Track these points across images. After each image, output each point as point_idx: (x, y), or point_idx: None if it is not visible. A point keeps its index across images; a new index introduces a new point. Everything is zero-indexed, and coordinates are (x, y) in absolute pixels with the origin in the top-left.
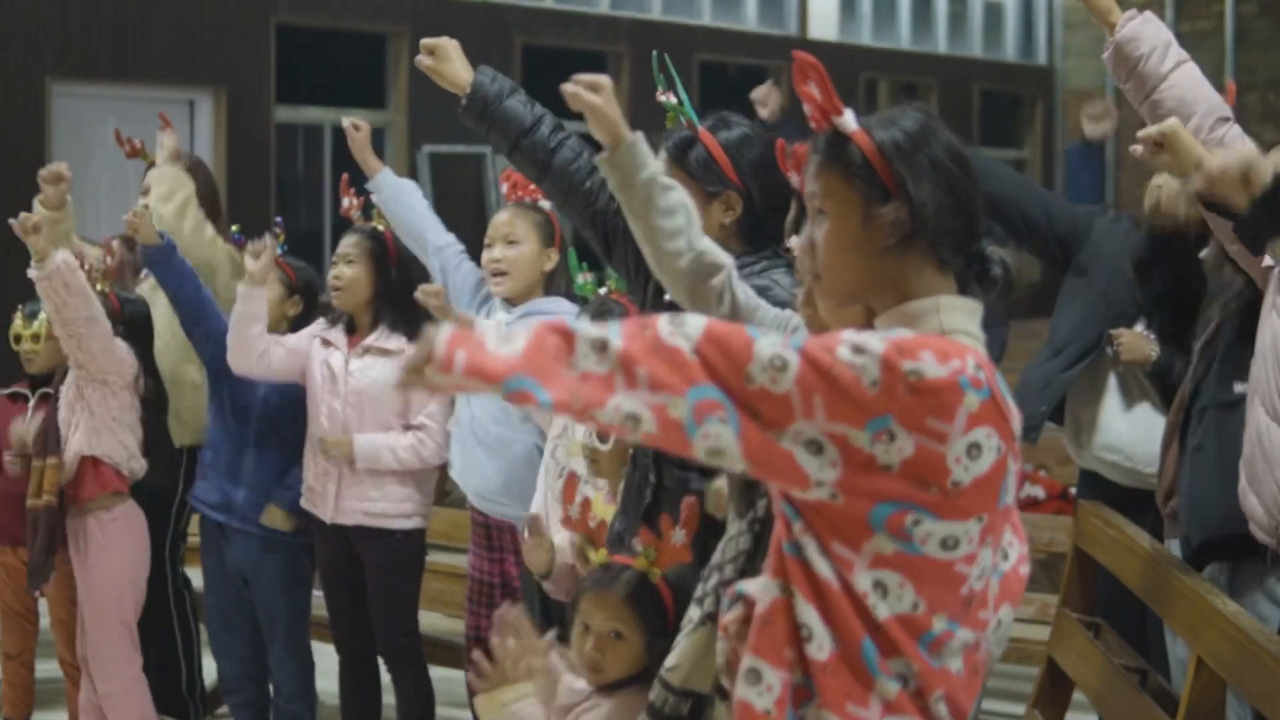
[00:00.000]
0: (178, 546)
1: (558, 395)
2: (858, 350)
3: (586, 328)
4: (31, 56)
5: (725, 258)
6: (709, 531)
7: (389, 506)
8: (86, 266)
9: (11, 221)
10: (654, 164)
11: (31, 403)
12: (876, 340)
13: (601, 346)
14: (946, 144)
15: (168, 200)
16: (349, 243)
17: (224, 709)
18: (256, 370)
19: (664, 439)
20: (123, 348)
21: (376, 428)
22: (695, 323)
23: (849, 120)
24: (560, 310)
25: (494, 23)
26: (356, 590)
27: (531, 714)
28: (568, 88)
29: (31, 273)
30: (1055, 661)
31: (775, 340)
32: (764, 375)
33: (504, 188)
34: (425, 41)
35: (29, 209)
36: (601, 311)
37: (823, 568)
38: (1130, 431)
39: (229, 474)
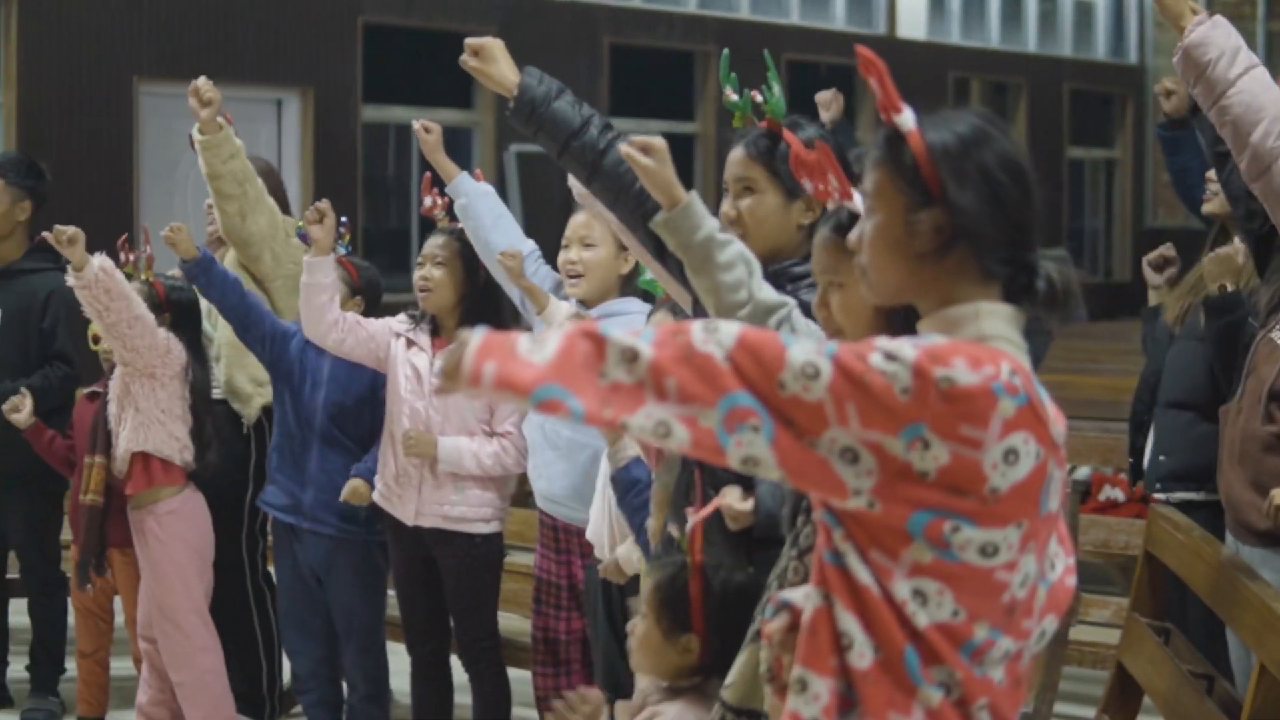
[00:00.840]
0: (256, 542)
1: (588, 405)
2: (890, 357)
3: (618, 335)
4: (120, 57)
5: (784, 298)
6: (765, 545)
7: (469, 510)
8: (131, 257)
9: (45, 234)
10: (710, 222)
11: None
12: (909, 347)
13: (632, 356)
14: (1000, 151)
15: (233, 158)
16: (436, 244)
17: (299, 708)
18: (330, 341)
19: (697, 449)
20: (169, 340)
21: (459, 431)
22: (729, 329)
23: (907, 119)
24: (635, 310)
25: (582, 22)
26: (431, 591)
27: None
28: (623, 148)
29: (70, 280)
30: (1125, 666)
31: (808, 347)
32: (796, 383)
33: (576, 190)
34: (470, 42)
35: (117, 206)
36: (672, 309)
37: (863, 575)
38: None
39: (295, 476)
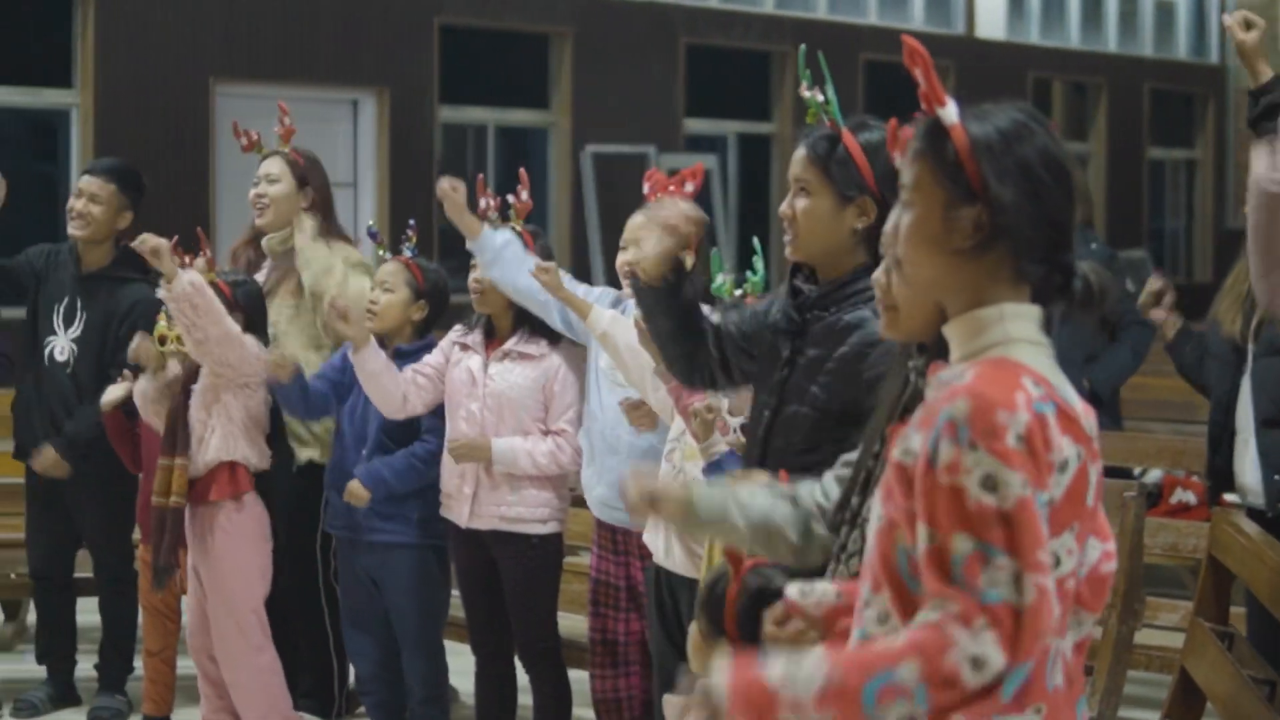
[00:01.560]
0: (329, 540)
1: None
2: (988, 486)
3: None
4: (197, 57)
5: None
6: None
7: (525, 511)
8: (189, 260)
9: (134, 245)
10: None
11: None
12: (970, 452)
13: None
14: (1042, 148)
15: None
16: None
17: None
18: (408, 413)
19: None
20: (256, 348)
21: (514, 432)
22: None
23: (950, 112)
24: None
25: (658, 23)
26: (493, 593)
27: None
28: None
29: (160, 294)
30: (1187, 671)
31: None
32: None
33: (645, 187)
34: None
35: (194, 208)
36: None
37: None
38: None
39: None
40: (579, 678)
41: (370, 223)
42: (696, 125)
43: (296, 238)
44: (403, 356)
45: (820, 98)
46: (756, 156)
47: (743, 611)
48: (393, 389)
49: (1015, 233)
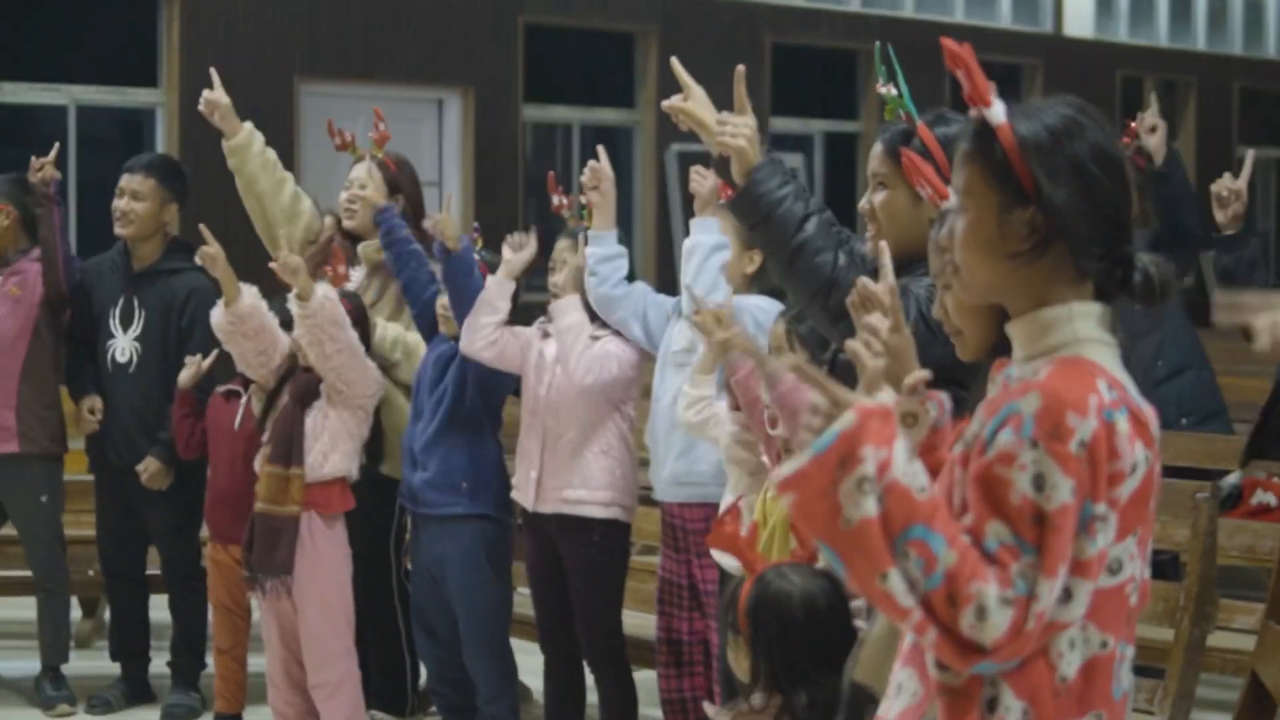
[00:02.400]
0: (402, 539)
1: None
2: (1039, 485)
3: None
4: (281, 56)
5: None
6: None
7: (588, 494)
8: (329, 275)
9: (273, 265)
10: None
11: (244, 400)
12: (1029, 450)
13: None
14: (1093, 143)
15: None
16: (563, 248)
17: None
18: (484, 355)
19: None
20: (374, 370)
21: (577, 415)
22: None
23: (997, 113)
24: (762, 307)
25: (743, 21)
26: (561, 591)
27: None
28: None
29: (293, 308)
30: (1258, 675)
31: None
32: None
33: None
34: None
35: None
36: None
37: None
38: None
39: (414, 460)
40: (649, 677)
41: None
42: (782, 124)
43: None
44: (452, 343)
45: (895, 92)
46: (842, 155)
47: (750, 612)
48: (490, 329)
49: (1072, 232)
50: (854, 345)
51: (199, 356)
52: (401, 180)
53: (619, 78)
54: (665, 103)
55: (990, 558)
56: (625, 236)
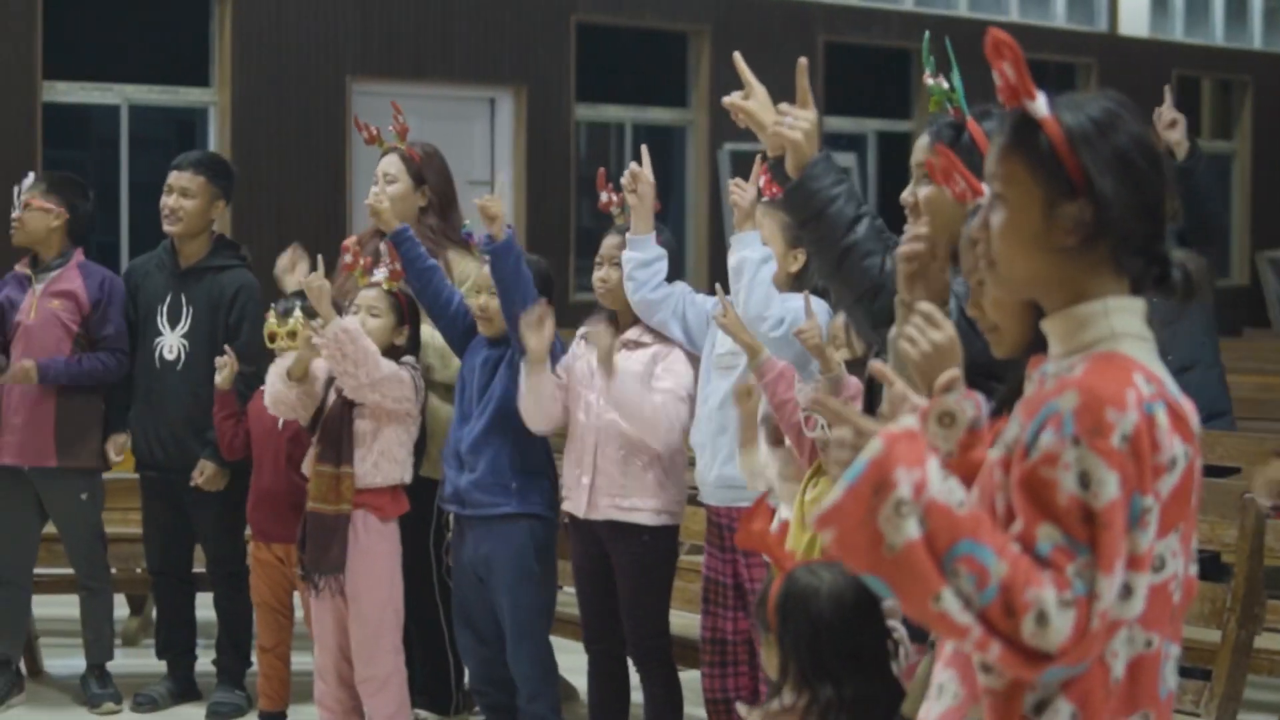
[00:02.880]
0: (442, 537)
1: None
2: (1083, 484)
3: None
4: (333, 55)
5: None
6: None
7: (640, 501)
8: (363, 262)
9: (304, 282)
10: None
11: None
12: (1072, 449)
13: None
14: (1134, 134)
15: None
16: (612, 244)
17: None
18: (553, 425)
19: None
20: (411, 382)
21: (629, 419)
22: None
23: (1041, 106)
24: (801, 307)
25: (797, 20)
26: (607, 589)
27: None
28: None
29: (314, 339)
30: None
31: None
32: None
33: (761, 181)
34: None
35: (330, 205)
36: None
37: None
38: None
39: (455, 462)
40: (694, 676)
41: (466, 222)
42: (835, 123)
43: (450, 257)
44: (496, 345)
45: (945, 85)
46: (896, 155)
47: (778, 608)
48: (552, 410)
49: (1118, 226)
50: (902, 346)
51: (230, 356)
52: (427, 171)
53: (671, 77)
54: (726, 99)
55: (1044, 562)
56: (677, 236)
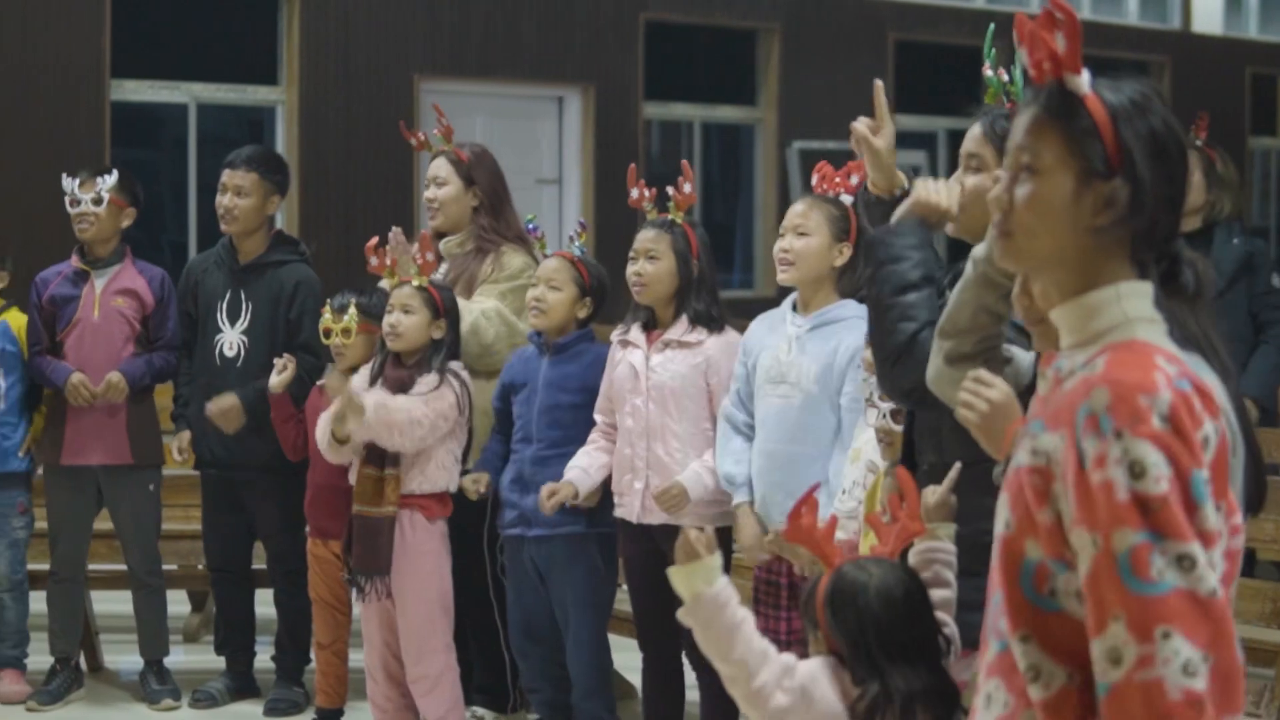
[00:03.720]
0: (496, 535)
1: None
2: (1136, 474)
3: None
4: (401, 54)
5: None
6: None
7: (696, 502)
8: (389, 261)
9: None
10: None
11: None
12: (1119, 445)
13: None
14: (1166, 122)
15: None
16: (648, 238)
17: None
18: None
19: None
20: (455, 399)
21: (679, 422)
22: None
23: (1084, 81)
24: (851, 315)
25: (866, 18)
26: (662, 588)
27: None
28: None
29: (355, 434)
30: None
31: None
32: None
33: (814, 178)
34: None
35: (398, 203)
36: None
37: None
38: None
39: (518, 485)
40: None
41: (531, 216)
42: (905, 121)
43: (503, 251)
44: (560, 350)
45: (1005, 78)
46: None
47: (825, 602)
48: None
49: (1149, 211)
50: (963, 413)
51: (285, 358)
52: (476, 171)
53: (741, 75)
54: (855, 125)
55: (1130, 564)
56: (746, 235)
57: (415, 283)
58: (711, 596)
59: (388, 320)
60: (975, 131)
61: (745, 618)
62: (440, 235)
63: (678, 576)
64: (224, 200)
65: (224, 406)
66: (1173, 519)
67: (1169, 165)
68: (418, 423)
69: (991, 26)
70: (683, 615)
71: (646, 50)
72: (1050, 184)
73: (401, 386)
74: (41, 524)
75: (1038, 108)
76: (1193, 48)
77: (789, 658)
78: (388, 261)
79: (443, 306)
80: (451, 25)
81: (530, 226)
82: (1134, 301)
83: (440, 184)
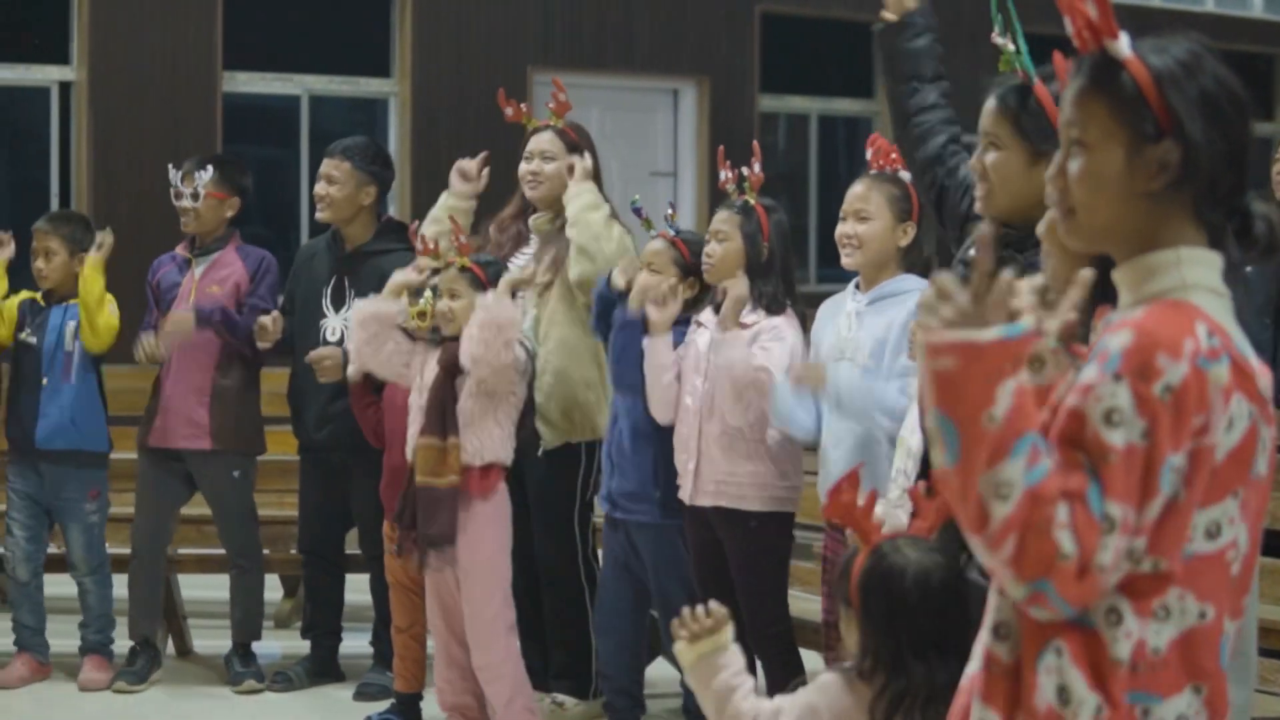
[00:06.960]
0: (587, 520)
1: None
2: (1112, 421)
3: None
4: (514, 46)
5: None
6: None
7: (746, 486)
8: (433, 245)
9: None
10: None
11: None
12: (1111, 388)
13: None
14: (1220, 77)
15: (597, 209)
16: (721, 219)
17: None
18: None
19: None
20: (519, 364)
21: (730, 401)
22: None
23: (1124, 45)
24: (910, 289)
25: (984, 6)
26: (722, 574)
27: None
28: None
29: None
30: None
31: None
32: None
33: (868, 154)
34: None
35: (508, 198)
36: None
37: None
38: None
39: (613, 465)
40: (816, 656)
41: (635, 197)
42: None
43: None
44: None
45: (1012, 47)
46: None
47: (861, 585)
48: (671, 388)
49: (1204, 170)
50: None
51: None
52: (584, 146)
53: (857, 68)
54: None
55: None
56: None
57: (458, 264)
58: (711, 659)
59: (439, 308)
60: (990, 107)
61: (743, 683)
62: (522, 212)
63: (685, 652)
64: (318, 188)
65: (324, 355)
66: (1109, 478)
67: (1223, 123)
68: (512, 348)
69: None
70: (687, 676)
71: (761, 42)
72: (1101, 157)
73: (455, 364)
74: (131, 509)
75: (1083, 79)
76: None
77: (780, 700)
78: (430, 246)
79: (488, 285)
80: (565, 17)
81: (635, 207)
82: (1196, 269)
83: (549, 158)
